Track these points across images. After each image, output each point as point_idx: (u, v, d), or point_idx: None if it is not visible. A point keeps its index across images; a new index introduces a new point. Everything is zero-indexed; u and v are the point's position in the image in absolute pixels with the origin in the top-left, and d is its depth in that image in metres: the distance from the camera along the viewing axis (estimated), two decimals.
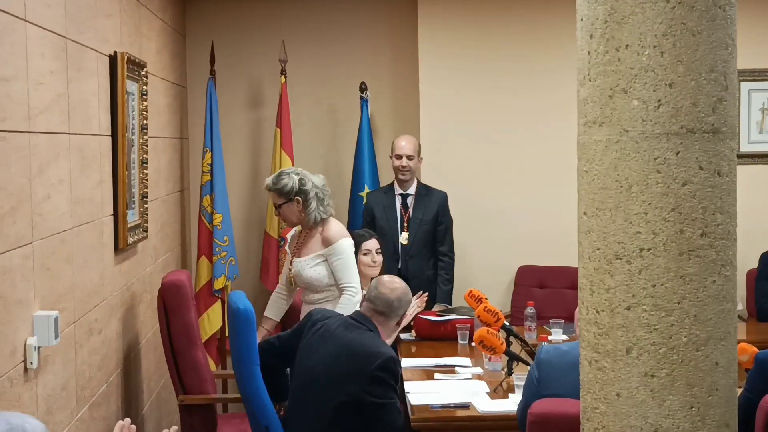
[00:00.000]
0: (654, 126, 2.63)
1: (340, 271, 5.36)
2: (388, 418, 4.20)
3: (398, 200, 6.76)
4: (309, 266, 5.38)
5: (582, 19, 2.78)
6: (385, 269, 6.20)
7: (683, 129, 2.62)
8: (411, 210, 6.73)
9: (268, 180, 5.51)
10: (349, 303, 5.25)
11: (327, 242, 5.40)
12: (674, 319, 2.64)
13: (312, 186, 5.41)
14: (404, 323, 5.75)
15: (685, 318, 2.64)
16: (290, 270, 5.51)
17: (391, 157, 6.78)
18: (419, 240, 6.68)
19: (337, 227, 5.50)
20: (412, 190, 6.78)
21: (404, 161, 6.66)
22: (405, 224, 6.70)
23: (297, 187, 5.37)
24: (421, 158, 6.82)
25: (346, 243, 5.41)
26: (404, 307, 4.60)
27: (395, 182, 6.80)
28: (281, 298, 5.74)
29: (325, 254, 5.38)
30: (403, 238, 6.67)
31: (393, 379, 4.25)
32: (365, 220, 6.81)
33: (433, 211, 6.72)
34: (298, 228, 5.62)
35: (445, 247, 6.73)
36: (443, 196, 6.80)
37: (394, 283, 4.60)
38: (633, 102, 2.65)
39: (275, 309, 5.76)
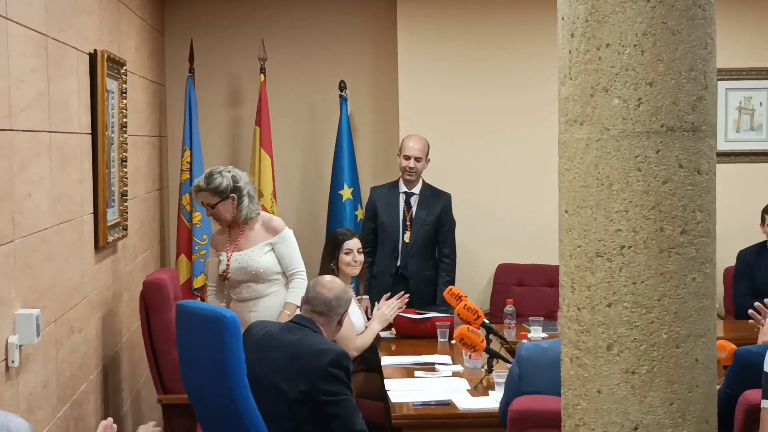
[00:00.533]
0: (634, 124, 2.65)
1: (290, 256, 5.44)
2: (344, 414, 4.18)
3: (402, 198, 6.77)
4: (260, 255, 5.38)
5: (563, 18, 2.80)
6: (384, 267, 6.19)
7: (663, 127, 2.64)
8: (414, 209, 6.74)
9: (200, 181, 5.40)
10: (302, 286, 5.29)
11: (274, 231, 5.46)
12: (654, 316, 2.66)
13: (244, 183, 5.42)
14: (385, 323, 5.79)
15: (665, 315, 2.66)
16: (228, 266, 5.45)
17: (398, 155, 6.79)
18: (421, 240, 6.70)
19: (276, 217, 5.66)
20: (416, 189, 6.79)
21: (411, 162, 6.67)
22: (408, 223, 6.70)
23: (231, 184, 5.35)
24: (429, 160, 6.80)
25: (291, 232, 5.53)
26: (344, 305, 4.54)
27: (400, 180, 6.81)
28: (217, 297, 5.59)
29: (273, 242, 5.42)
30: (406, 236, 6.68)
31: (345, 375, 4.23)
32: (368, 215, 6.85)
33: (437, 212, 6.74)
34: (217, 227, 5.59)
35: (447, 249, 6.75)
36: (448, 198, 6.82)
37: (332, 283, 4.57)
38: (614, 101, 2.67)
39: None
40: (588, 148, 2.72)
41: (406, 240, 6.69)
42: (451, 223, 6.83)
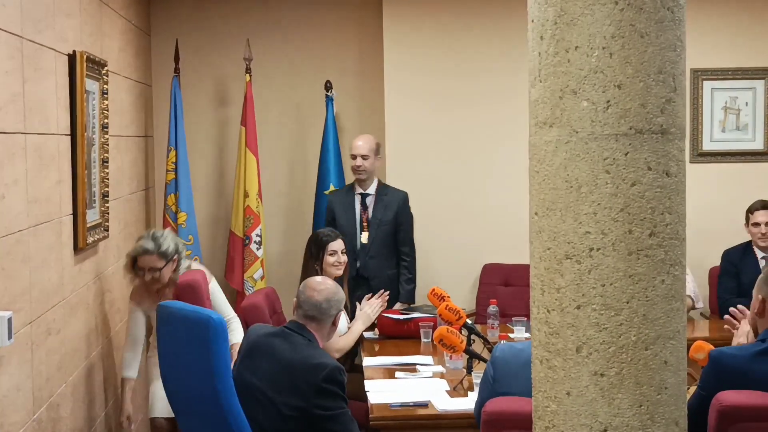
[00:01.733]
0: (603, 127, 2.64)
1: (225, 304, 5.45)
2: (340, 428, 4.14)
3: (357, 200, 6.76)
4: None
5: (533, 21, 2.79)
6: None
7: (632, 130, 2.64)
8: (370, 210, 6.72)
9: (147, 245, 5.18)
10: (240, 329, 5.33)
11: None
12: (623, 318, 2.66)
13: (181, 245, 5.38)
14: (369, 322, 5.79)
15: (634, 317, 2.65)
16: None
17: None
18: (379, 240, 6.68)
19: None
20: (371, 189, 6.77)
21: (359, 161, 6.66)
22: (365, 224, 6.69)
23: (175, 247, 5.28)
24: (380, 157, 6.81)
25: (216, 283, 5.53)
26: (335, 306, 4.47)
27: (355, 182, 6.80)
28: (134, 359, 5.40)
29: None
30: (364, 237, 6.66)
31: (341, 389, 4.18)
32: (327, 220, 6.81)
33: (393, 212, 6.71)
34: (135, 283, 5.34)
35: (406, 248, 6.75)
36: (403, 196, 6.80)
37: (321, 285, 4.50)
38: (582, 103, 2.66)
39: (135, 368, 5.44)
40: (557, 150, 2.71)
41: (364, 241, 6.67)
42: (409, 221, 6.80)
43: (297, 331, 4.36)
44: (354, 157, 6.69)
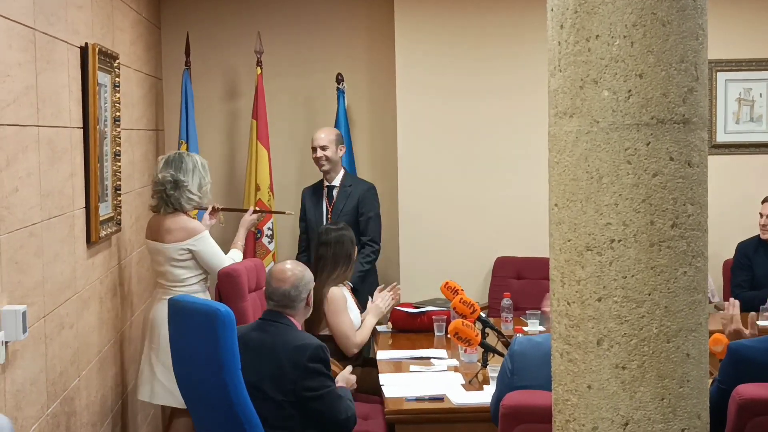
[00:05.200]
0: (624, 117, 2.61)
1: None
2: (328, 406, 4.22)
3: (325, 193, 6.73)
4: None
5: (552, 10, 2.76)
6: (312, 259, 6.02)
7: (654, 120, 2.61)
8: (335, 201, 6.70)
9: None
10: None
11: None
12: (645, 311, 2.63)
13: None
14: (380, 315, 5.76)
15: (655, 309, 2.63)
16: None
17: None
18: None
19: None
20: (337, 181, 6.72)
21: (318, 152, 6.62)
22: (329, 216, 6.64)
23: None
24: (342, 147, 6.71)
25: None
26: (305, 289, 4.48)
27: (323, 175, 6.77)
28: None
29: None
30: None
31: (325, 366, 4.25)
32: (300, 215, 6.85)
33: (354, 203, 6.64)
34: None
35: (366, 237, 6.61)
36: (369, 187, 6.74)
37: (286, 273, 4.49)
38: (603, 93, 2.63)
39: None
40: (577, 140, 2.68)
41: None
42: (373, 212, 6.68)
43: (274, 320, 4.43)
44: (314, 149, 6.65)
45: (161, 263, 5.33)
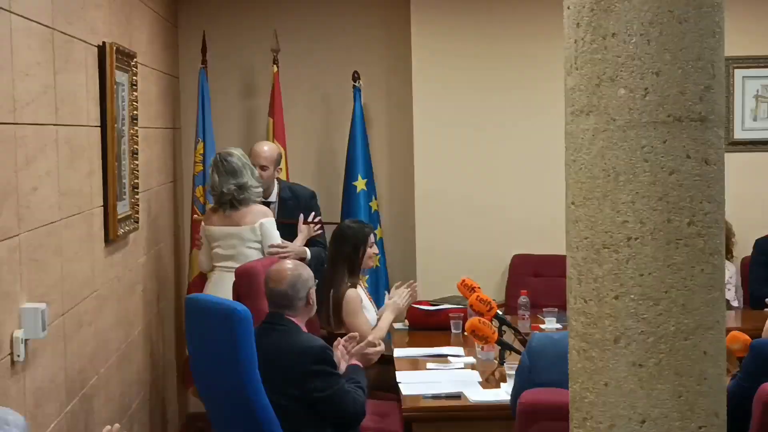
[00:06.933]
0: (641, 114, 2.61)
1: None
2: (337, 405, 4.25)
3: None
4: None
5: (569, 8, 2.76)
6: None
7: (670, 117, 2.60)
8: (276, 216, 6.13)
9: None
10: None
11: None
12: (662, 308, 2.62)
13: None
14: (397, 312, 5.74)
15: (673, 307, 2.62)
16: None
17: None
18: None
19: None
20: (273, 197, 6.31)
21: (257, 171, 5.99)
22: None
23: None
24: (280, 169, 6.37)
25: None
26: (303, 286, 4.46)
27: None
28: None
29: None
30: None
31: (330, 365, 4.27)
32: None
33: (299, 212, 6.19)
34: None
35: (322, 245, 6.26)
36: (309, 194, 6.38)
37: (281, 273, 4.48)
38: (620, 90, 2.63)
39: None
40: (594, 138, 2.68)
41: None
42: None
43: (275, 322, 4.43)
44: (253, 164, 6.02)
45: (234, 246, 5.70)
